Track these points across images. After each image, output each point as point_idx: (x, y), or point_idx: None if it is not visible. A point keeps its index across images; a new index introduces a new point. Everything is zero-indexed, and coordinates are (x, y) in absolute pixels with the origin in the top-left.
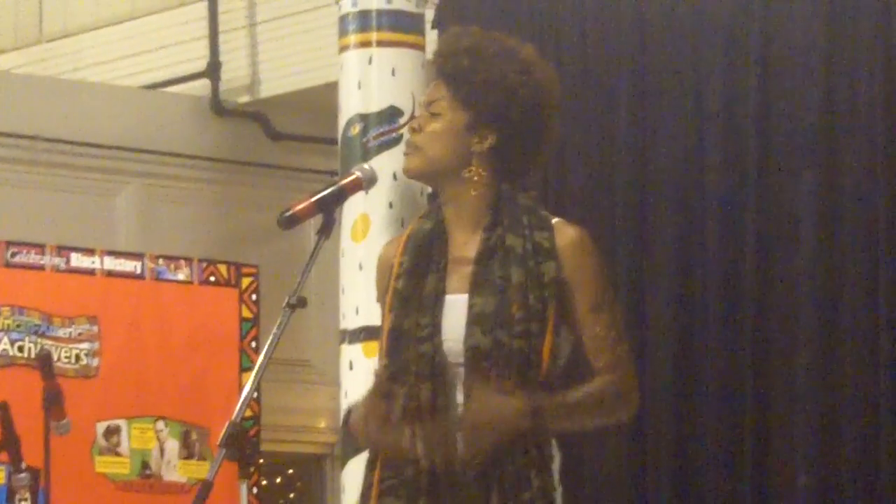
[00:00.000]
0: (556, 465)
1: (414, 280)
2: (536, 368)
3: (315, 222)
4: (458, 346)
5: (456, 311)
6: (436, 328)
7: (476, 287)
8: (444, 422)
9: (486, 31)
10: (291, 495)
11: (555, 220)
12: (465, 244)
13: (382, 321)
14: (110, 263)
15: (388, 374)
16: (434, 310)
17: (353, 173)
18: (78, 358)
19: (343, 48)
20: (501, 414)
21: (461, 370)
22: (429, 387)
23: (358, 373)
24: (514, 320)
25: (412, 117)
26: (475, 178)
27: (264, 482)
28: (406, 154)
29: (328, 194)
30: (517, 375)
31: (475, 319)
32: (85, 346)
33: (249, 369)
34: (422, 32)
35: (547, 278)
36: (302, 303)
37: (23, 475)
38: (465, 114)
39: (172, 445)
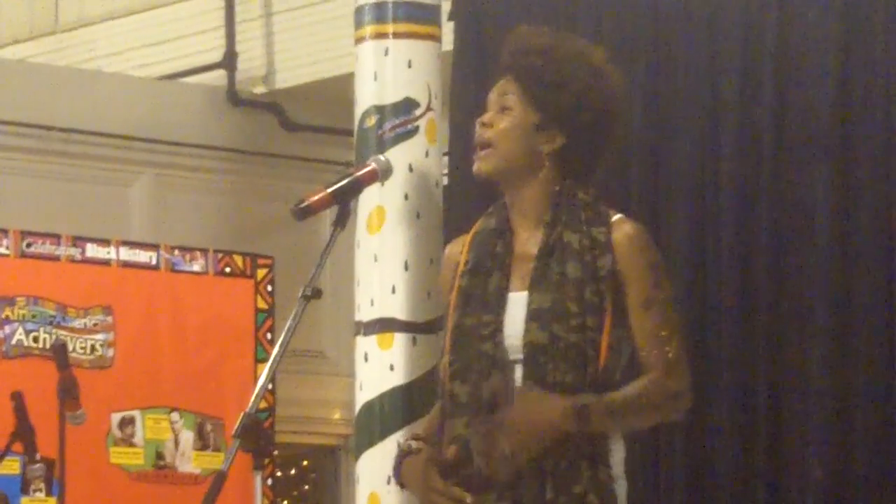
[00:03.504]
0: (616, 458)
1: (478, 278)
2: (594, 363)
3: (330, 213)
4: (519, 343)
5: (517, 308)
6: (498, 326)
7: (535, 284)
8: (490, 426)
9: (559, 32)
10: (306, 487)
11: (615, 217)
12: (528, 241)
13: (446, 318)
14: (125, 254)
15: (450, 371)
16: (497, 308)
17: (368, 164)
18: (93, 349)
19: (359, 39)
20: (545, 415)
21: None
22: (489, 385)
23: (373, 365)
24: (570, 314)
25: (428, 109)
26: (550, 178)
27: (279, 473)
28: (480, 156)
29: (343, 185)
30: (574, 370)
31: (533, 315)
32: (100, 336)
33: (264, 360)
34: (438, 24)
35: (603, 272)
36: (317, 294)
37: (37, 466)
38: (536, 113)
39: (187, 436)
